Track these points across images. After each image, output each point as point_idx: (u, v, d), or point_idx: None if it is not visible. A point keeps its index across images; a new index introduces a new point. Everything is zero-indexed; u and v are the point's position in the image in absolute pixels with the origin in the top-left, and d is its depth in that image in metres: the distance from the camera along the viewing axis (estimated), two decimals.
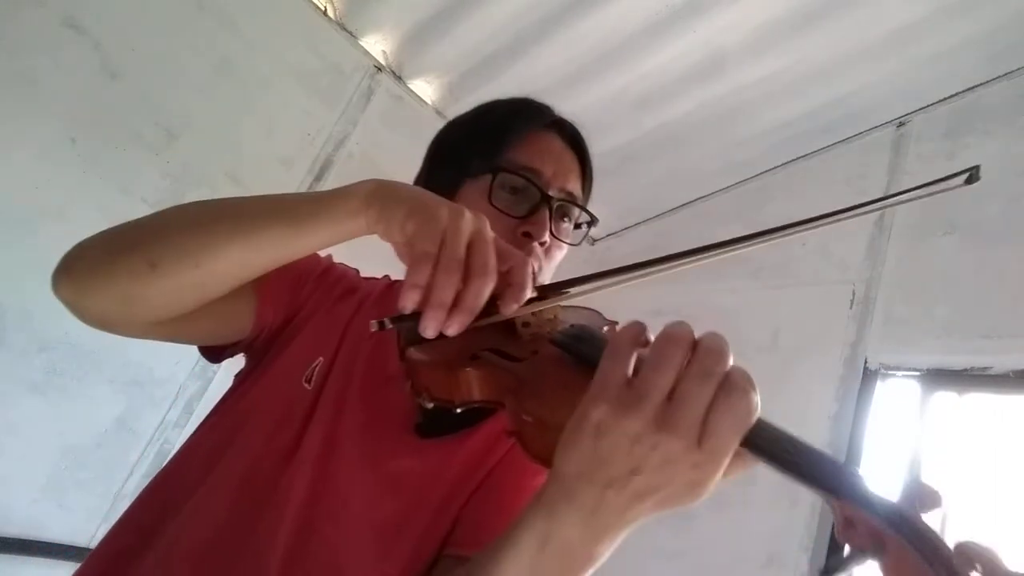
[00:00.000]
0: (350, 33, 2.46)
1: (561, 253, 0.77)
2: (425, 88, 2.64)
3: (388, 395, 0.68)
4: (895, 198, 0.64)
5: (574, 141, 0.81)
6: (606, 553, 0.44)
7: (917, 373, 1.98)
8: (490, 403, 0.55)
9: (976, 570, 0.30)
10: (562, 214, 0.76)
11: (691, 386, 0.39)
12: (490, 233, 0.55)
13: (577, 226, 0.79)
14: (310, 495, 0.63)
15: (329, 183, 2.39)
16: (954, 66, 2.19)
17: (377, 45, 2.52)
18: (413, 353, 0.56)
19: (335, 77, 2.41)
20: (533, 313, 0.58)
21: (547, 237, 0.71)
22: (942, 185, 0.62)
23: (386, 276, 0.86)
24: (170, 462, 0.72)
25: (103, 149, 1.95)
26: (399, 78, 2.58)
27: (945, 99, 2.29)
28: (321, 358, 0.71)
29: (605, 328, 0.65)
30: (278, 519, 0.62)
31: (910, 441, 1.91)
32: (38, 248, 1.84)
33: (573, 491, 0.41)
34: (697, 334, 0.42)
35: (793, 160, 2.65)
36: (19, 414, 1.80)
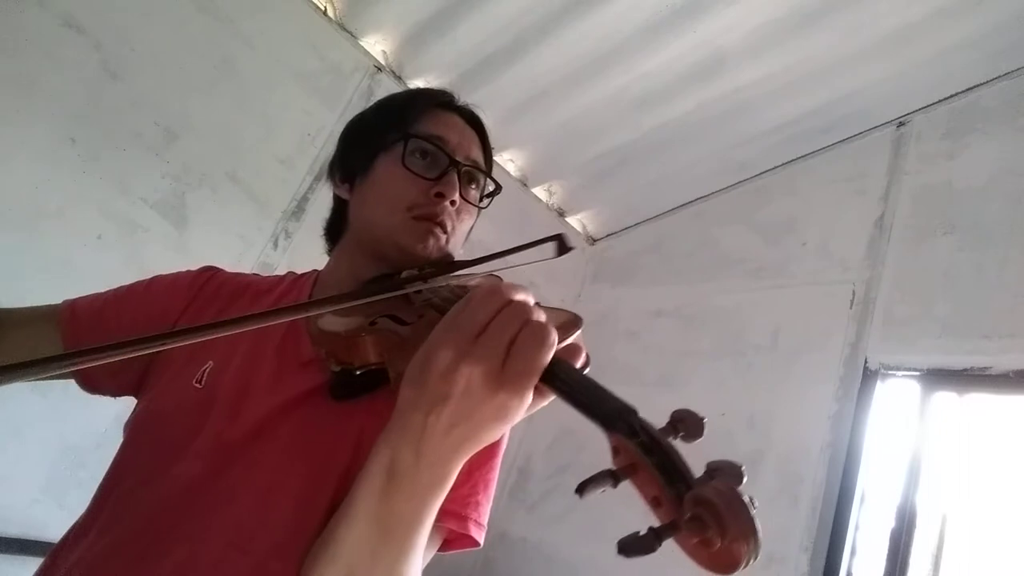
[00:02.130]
0: (350, 33, 2.46)
1: (470, 218, 0.82)
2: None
3: (303, 377, 0.70)
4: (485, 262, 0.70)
5: (474, 122, 0.85)
6: (443, 482, 0.50)
7: (917, 373, 1.98)
8: (383, 364, 0.60)
9: (714, 488, 0.35)
10: (469, 180, 0.81)
11: (497, 324, 0.46)
12: None
13: (484, 197, 0.85)
14: (210, 479, 0.64)
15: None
16: (954, 66, 2.19)
17: (377, 45, 2.52)
18: (323, 323, 0.65)
19: (335, 77, 2.42)
20: (425, 280, 0.65)
21: (457, 197, 0.76)
22: (534, 252, 0.68)
23: (290, 272, 0.90)
24: (90, 504, 0.75)
25: (103, 149, 1.95)
26: (399, 78, 2.58)
27: (945, 99, 2.30)
28: (211, 361, 0.74)
29: None
30: (179, 515, 0.63)
31: (910, 441, 1.91)
32: (38, 248, 1.84)
33: (404, 418, 0.49)
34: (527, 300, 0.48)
35: (793, 160, 2.65)
36: (19, 414, 1.80)
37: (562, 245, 0.67)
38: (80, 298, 0.83)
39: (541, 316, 0.47)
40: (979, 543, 1.75)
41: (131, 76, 2.00)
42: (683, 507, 0.36)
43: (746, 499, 0.34)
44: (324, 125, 2.39)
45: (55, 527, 1.84)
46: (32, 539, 1.81)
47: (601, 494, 0.40)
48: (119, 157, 1.98)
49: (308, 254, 2.29)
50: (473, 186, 0.82)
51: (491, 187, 0.85)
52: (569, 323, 0.53)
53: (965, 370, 1.88)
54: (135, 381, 0.80)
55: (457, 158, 0.78)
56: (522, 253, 0.68)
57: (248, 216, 2.22)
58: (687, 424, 0.42)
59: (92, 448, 1.91)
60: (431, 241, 0.75)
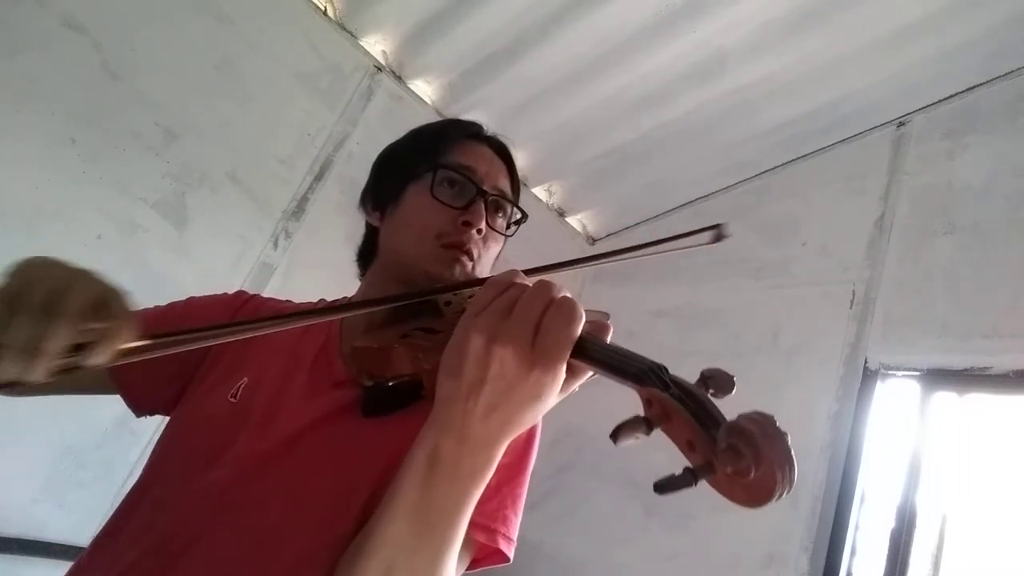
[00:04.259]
0: (350, 33, 2.46)
1: (497, 245, 0.84)
2: (425, 88, 2.64)
3: (335, 395, 0.73)
4: (641, 250, 0.74)
5: (502, 152, 0.88)
6: (485, 469, 0.52)
7: (917, 373, 1.98)
8: (416, 375, 0.62)
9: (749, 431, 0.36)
10: (496, 208, 0.83)
11: (523, 304, 0.48)
12: None
13: (511, 225, 0.88)
14: (241, 487, 0.66)
15: (329, 183, 2.39)
16: (954, 66, 2.19)
17: (377, 45, 2.52)
18: (356, 341, 0.67)
19: (335, 77, 2.42)
20: (455, 292, 0.67)
21: (483, 225, 0.78)
22: (689, 240, 0.71)
23: (321, 299, 0.92)
24: (118, 508, 0.77)
25: (103, 149, 1.95)
26: (399, 78, 2.58)
27: (945, 99, 2.29)
28: (246, 378, 0.77)
29: None
30: (208, 521, 0.65)
31: (910, 441, 1.91)
32: (38, 248, 1.83)
33: (445, 407, 0.50)
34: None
35: (793, 160, 2.65)
36: (19, 414, 1.80)
37: (719, 235, 0.70)
38: None
39: (567, 292, 0.49)
40: (979, 543, 1.75)
41: (131, 76, 2.00)
42: (718, 441, 0.36)
43: (782, 428, 0.35)
44: (324, 125, 2.39)
45: (55, 527, 1.85)
46: (32, 539, 1.81)
47: (635, 441, 0.41)
48: (119, 157, 1.98)
49: (308, 254, 2.31)
50: (500, 214, 0.84)
51: (518, 215, 0.87)
52: (597, 314, 0.55)
53: (965, 370, 1.88)
54: (176, 399, 0.82)
55: (484, 188, 0.80)
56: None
57: (248, 216, 2.22)
58: (717, 380, 0.43)
59: (92, 448, 1.91)
60: (458, 269, 0.77)
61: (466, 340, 0.49)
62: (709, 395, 0.42)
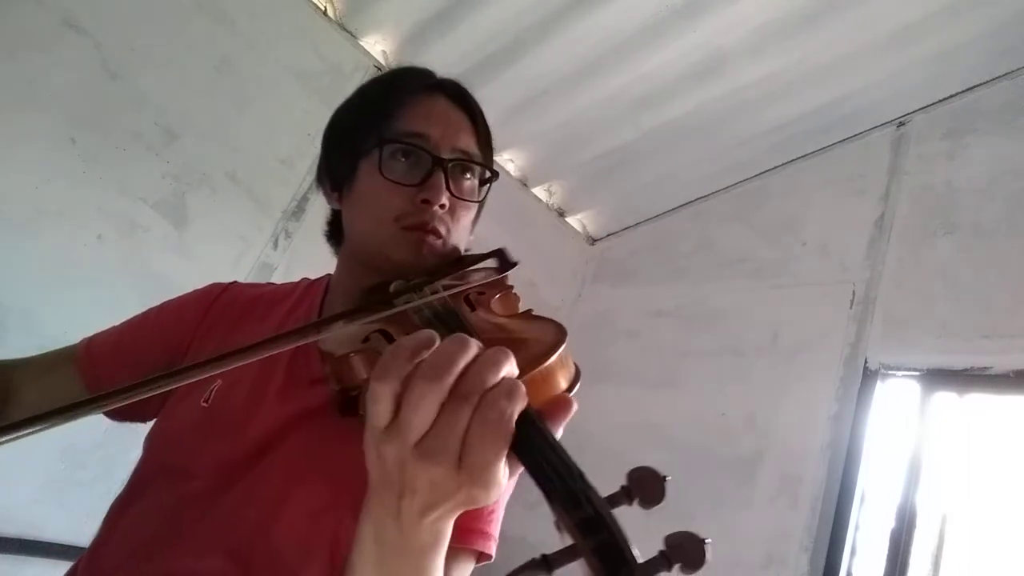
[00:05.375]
0: (350, 33, 2.46)
1: (469, 212, 0.75)
2: None
3: (312, 393, 0.69)
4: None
5: (461, 99, 0.77)
6: (436, 544, 0.45)
7: (917, 373, 1.98)
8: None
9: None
10: (461, 171, 0.73)
11: (446, 417, 0.38)
12: None
13: (483, 183, 0.77)
14: (215, 494, 0.64)
15: None
16: (954, 66, 2.19)
17: (377, 45, 2.52)
18: (322, 343, 0.60)
19: (335, 77, 2.41)
20: (416, 294, 0.60)
21: (445, 200, 0.69)
22: (479, 266, 0.66)
23: (304, 279, 0.88)
24: (104, 519, 0.76)
25: (103, 149, 1.95)
26: None
27: (945, 99, 2.29)
28: (219, 381, 0.72)
29: None
30: (193, 528, 0.63)
31: (910, 441, 1.91)
32: (38, 248, 1.84)
33: (378, 494, 0.43)
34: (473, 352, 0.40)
35: (793, 160, 2.65)
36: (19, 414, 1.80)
37: (504, 260, 0.64)
38: (95, 335, 0.84)
39: (492, 378, 0.39)
40: (979, 543, 1.75)
41: (131, 76, 2.00)
42: None
43: None
44: (324, 125, 2.38)
45: (55, 527, 1.85)
46: (32, 539, 1.81)
47: None
48: (119, 157, 1.98)
49: (308, 254, 2.31)
50: (467, 176, 0.74)
51: (487, 174, 0.76)
52: (539, 353, 0.46)
53: (965, 370, 1.88)
54: (157, 407, 0.80)
55: (442, 154, 0.70)
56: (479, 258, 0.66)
57: (248, 216, 2.22)
58: (643, 487, 0.37)
59: (92, 448, 1.91)
60: (424, 249, 0.70)
61: (381, 450, 0.40)
62: (636, 504, 0.37)
